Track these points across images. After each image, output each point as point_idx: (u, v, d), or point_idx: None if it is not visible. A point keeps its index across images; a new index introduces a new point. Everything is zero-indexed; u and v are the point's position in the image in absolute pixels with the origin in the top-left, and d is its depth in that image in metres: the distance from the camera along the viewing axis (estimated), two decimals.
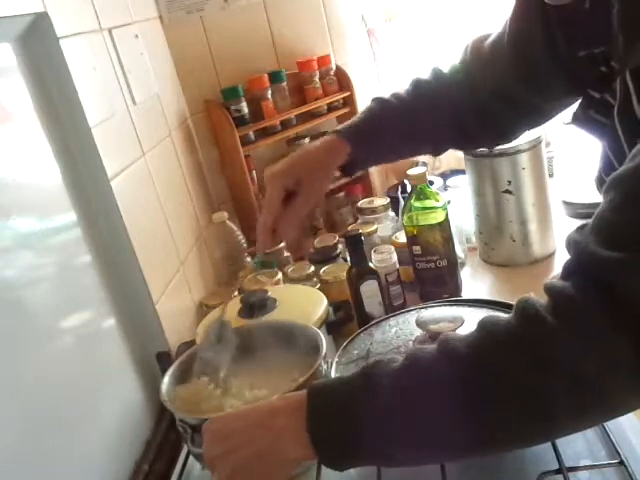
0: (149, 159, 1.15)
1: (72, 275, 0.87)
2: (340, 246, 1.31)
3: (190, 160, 1.44)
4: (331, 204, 1.65)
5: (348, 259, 1.16)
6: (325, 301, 1.03)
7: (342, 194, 1.65)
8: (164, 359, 1.00)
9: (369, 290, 1.11)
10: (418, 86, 0.93)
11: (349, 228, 1.40)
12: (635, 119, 0.60)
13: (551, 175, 1.62)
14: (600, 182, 0.69)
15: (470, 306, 0.89)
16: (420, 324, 0.81)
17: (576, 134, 0.91)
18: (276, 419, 0.60)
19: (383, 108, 0.92)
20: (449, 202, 1.22)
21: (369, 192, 1.65)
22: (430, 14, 1.70)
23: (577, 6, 0.67)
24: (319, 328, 0.90)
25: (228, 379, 0.83)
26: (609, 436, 0.73)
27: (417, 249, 1.18)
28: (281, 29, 1.56)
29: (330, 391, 0.59)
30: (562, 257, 1.29)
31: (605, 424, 0.74)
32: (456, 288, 1.22)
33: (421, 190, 1.16)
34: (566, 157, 1.66)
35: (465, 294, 1.23)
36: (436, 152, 1.01)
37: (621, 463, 0.69)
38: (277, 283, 1.22)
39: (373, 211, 1.39)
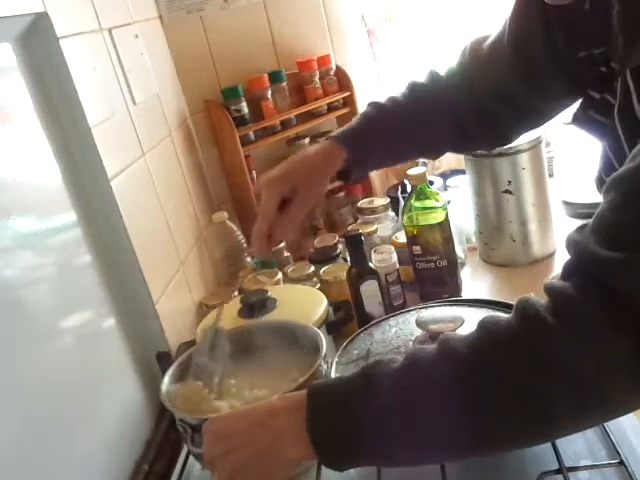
0: (149, 159, 1.15)
1: (72, 275, 0.87)
2: (340, 246, 1.31)
3: (190, 160, 1.44)
4: (331, 204, 1.65)
5: (348, 259, 1.16)
6: (325, 301, 1.03)
7: (342, 194, 1.65)
8: (164, 359, 1.00)
9: (369, 290, 1.10)
10: (414, 89, 0.92)
11: (349, 228, 1.40)
12: (635, 119, 0.60)
13: (551, 175, 1.61)
14: (600, 182, 0.69)
15: (470, 306, 0.89)
16: (420, 324, 0.81)
17: (576, 134, 0.91)
18: (276, 419, 0.60)
19: (379, 112, 0.91)
20: (449, 202, 1.22)
21: (369, 192, 1.64)
22: (430, 14, 1.70)
23: (577, 6, 0.67)
24: (319, 328, 0.90)
25: (224, 381, 0.83)
26: (609, 436, 0.73)
27: (417, 249, 1.18)
28: (281, 29, 1.56)
29: (330, 391, 0.59)
30: (562, 257, 1.29)
31: (605, 424, 0.74)
32: (456, 288, 1.22)
33: (421, 190, 1.16)
34: (566, 157, 1.66)
35: (465, 294, 1.23)
36: (434, 155, 1.01)
37: (621, 463, 0.69)
38: (277, 283, 1.22)
39: (373, 211, 1.39)
